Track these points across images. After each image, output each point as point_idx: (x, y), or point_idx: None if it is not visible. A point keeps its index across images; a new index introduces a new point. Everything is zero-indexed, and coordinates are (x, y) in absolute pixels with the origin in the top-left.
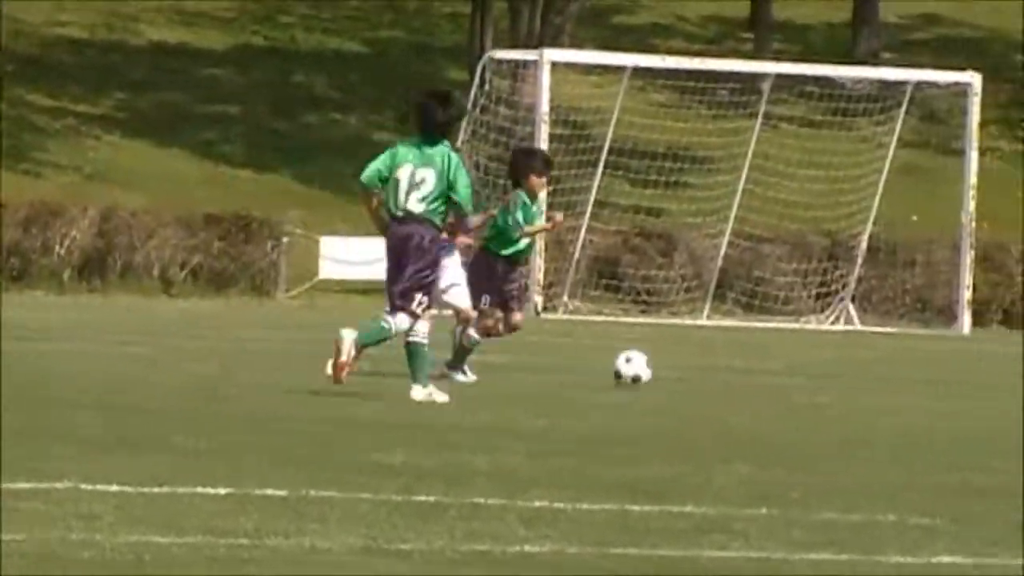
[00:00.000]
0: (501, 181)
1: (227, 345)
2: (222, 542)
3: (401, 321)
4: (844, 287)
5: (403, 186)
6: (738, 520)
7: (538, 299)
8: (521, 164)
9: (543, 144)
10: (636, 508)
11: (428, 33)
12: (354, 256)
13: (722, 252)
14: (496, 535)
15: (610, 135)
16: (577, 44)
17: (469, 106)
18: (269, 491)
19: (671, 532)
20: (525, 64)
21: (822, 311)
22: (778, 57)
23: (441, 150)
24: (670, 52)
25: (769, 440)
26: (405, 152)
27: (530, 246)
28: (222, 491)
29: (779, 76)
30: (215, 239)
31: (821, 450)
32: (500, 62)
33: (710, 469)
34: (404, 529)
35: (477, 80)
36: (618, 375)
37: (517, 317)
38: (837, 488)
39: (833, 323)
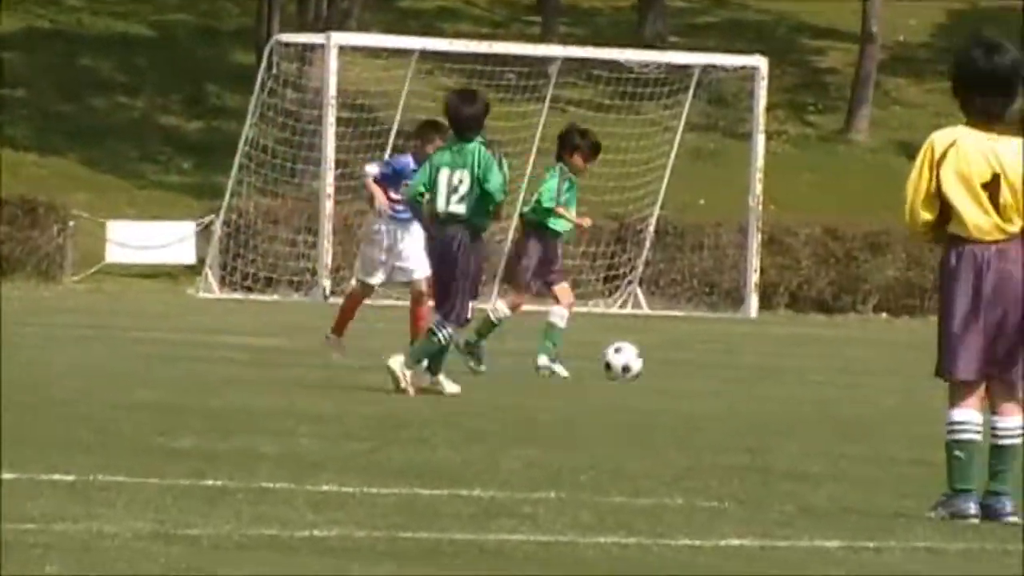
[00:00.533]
0: (288, 164)
1: (12, 329)
2: (9, 527)
3: (449, 332)
4: (632, 271)
5: (442, 190)
6: (527, 503)
7: (327, 283)
8: (572, 142)
9: (330, 128)
10: (425, 492)
11: (215, 16)
12: (140, 240)
13: (509, 236)
14: (284, 519)
15: (398, 118)
16: (364, 27)
17: (256, 89)
18: (56, 476)
19: (460, 516)
20: (312, 47)
21: (610, 295)
22: (566, 41)
23: (472, 147)
24: (457, 36)
25: (558, 424)
26: (440, 158)
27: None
28: (8, 476)
29: (567, 60)
30: (1, 223)
31: (609, 434)
32: (287, 45)
33: (498, 453)
34: (192, 513)
35: (264, 63)
36: (608, 366)
37: (564, 286)
38: (625, 472)
39: (621, 307)
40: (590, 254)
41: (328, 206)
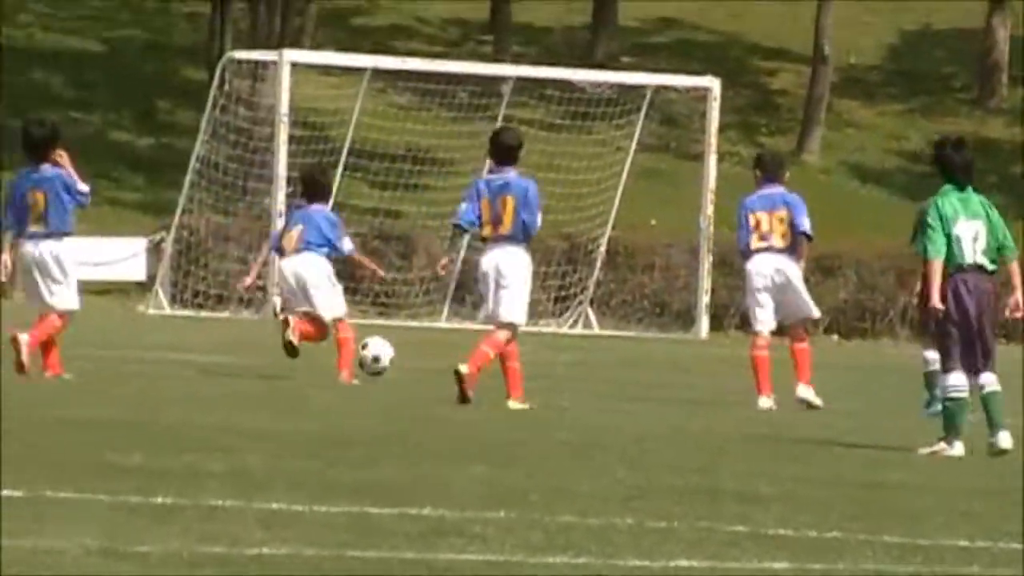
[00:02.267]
0: (240, 182)
1: None
2: None
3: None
4: (583, 291)
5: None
6: (476, 523)
7: (277, 301)
8: None
9: (282, 146)
10: (374, 510)
11: (166, 33)
12: (91, 257)
13: (461, 255)
14: (234, 537)
15: (350, 137)
16: (317, 45)
17: (208, 106)
18: (5, 492)
19: (409, 534)
20: (265, 65)
21: (561, 315)
22: (518, 60)
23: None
24: (410, 54)
25: (507, 443)
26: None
27: None
28: None
29: (519, 79)
30: None
31: (559, 453)
32: (240, 63)
33: (447, 471)
34: (141, 530)
35: (216, 80)
36: (362, 364)
37: None
38: (575, 491)
39: (572, 327)
40: (540, 274)
41: (279, 224)
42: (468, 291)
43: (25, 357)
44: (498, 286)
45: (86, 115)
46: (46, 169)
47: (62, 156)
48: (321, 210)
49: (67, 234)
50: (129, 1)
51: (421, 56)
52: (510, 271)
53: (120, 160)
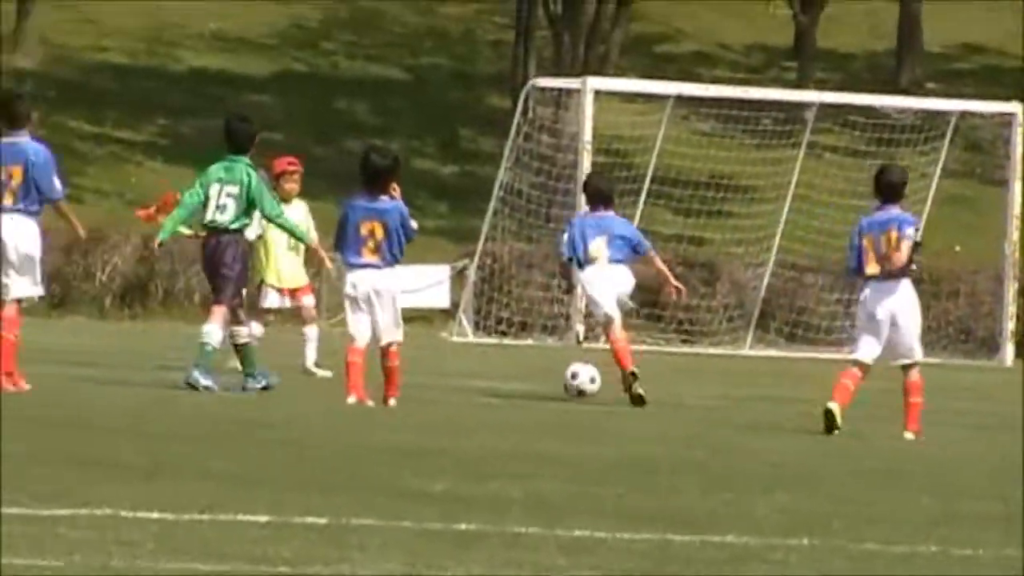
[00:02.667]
0: (543, 209)
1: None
2: (263, 570)
3: None
4: None
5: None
6: (778, 550)
7: (580, 328)
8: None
9: (585, 173)
10: (676, 538)
11: (470, 61)
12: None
13: (765, 282)
14: (536, 564)
15: (653, 164)
16: (620, 72)
17: (512, 133)
18: (309, 519)
19: (712, 562)
20: (568, 92)
21: None
22: (822, 86)
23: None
24: (713, 81)
25: (810, 470)
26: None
27: None
28: (262, 518)
29: (823, 105)
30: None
31: (862, 480)
32: (543, 90)
33: (750, 499)
34: (444, 557)
35: (520, 108)
36: (566, 388)
37: None
38: (878, 518)
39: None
40: (844, 301)
41: (587, 250)
42: (771, 317)
43: None
44: (897, 325)
45: (389, 142)
46: (384, 201)
47: (396, 189)
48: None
49: (395, 265)
50: (433, 29)
51: (724, 83)
52: (908, 309)
53: (423, 187)
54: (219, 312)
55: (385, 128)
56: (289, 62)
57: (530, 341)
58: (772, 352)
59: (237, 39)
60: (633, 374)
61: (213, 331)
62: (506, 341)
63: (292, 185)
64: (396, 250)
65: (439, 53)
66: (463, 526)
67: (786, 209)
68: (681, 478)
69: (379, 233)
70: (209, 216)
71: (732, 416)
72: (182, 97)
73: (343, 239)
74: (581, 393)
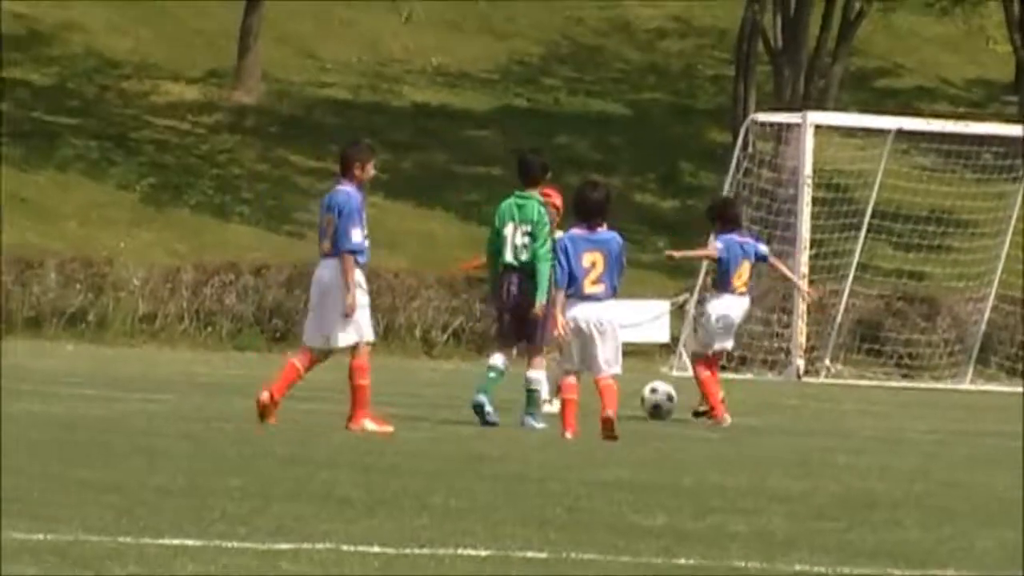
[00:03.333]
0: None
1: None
2: None
3: None
4: None
5: None
6: None
7: (800, 362)
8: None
9: (806, 208)
10: (897, 572)
11: (691, 95)
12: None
13: (986, 316)
14: None
15: (873, 198)
16: (841, 107)
17: (732, 168)
18: (530, 553)
19: None
20: (788, 127)
21: None
22: None
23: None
24: (934, 115)
25: None
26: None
27: None
28: (483, 552)
29: None
30: (477, 300)
31: None
32: (763, 124)
33: (972, 534)
34: None
35: (740, 142)
36: (643, 401)
37: None
38: None
39: None
40: None
41: (803, 286)
42: (992, 352)
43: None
44: None
45: (609, 178)
46: (603, 232)
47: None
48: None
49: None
50: (655, 64)
51: (945, 117)
52: None
53: (643, 222)
54: (539, 357)
55: (606, 163)
56: (510, 98)
57: (750, 375)
58: (993, 387)
59: (459, 74)
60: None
61: (539, 378)
62: (727, 376)
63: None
64: (616, 281)
65: (660, 88)
66: (682, 560)
67: (1007, 244)
68: (902, 512)
69: (600, 265)
70: (508, 257)
71: (954, 450)
72: (404, 132)
73: (563, 272)
74: (656, 408)
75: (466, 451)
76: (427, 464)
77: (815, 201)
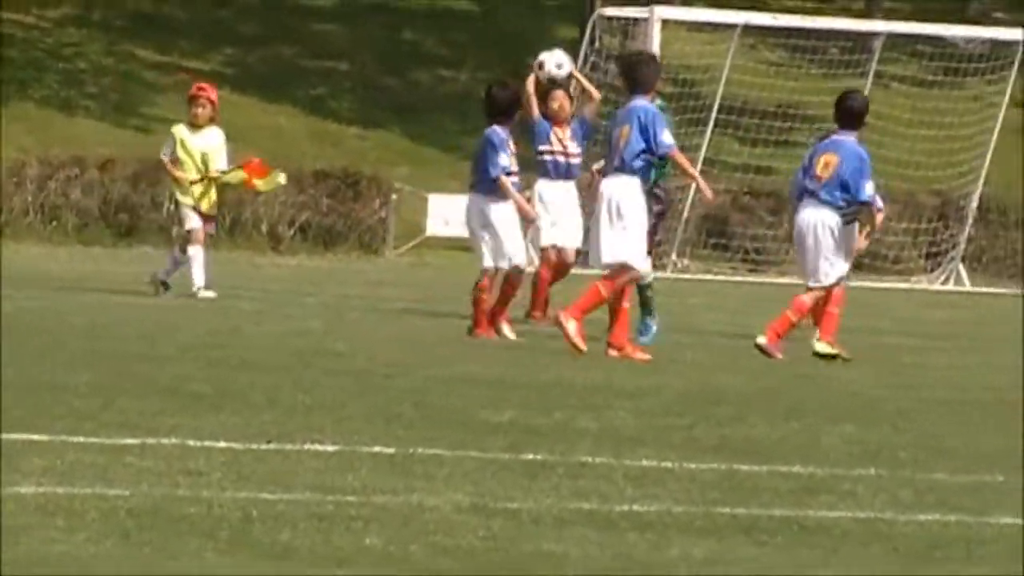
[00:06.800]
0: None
1: (335, 301)
2: (330, 499)
3: None
4: (954, 247)
5: None
6: (846, 480)
7: None
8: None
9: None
10: (743, 468)
11: None
12: (462, 214)
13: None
14: (604, 494)
15: (720, 93)
16: (687, 1)
17: (579, 63)
18: (377, 448)
19: (778, 492)
20: (635, 21)
21: (932, 271)
22: (889, 16)
23: None
24: (782, 10)
25: (877, 400)
26: None
27: None
28: (330, 448)
29: (890, 35)
30: (324, 196)
31: (930, 410)
32: (610, 19)
33: (817, 429)
34: (511, 487)
35: (587, 38)
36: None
37: None
38: (946, 449)
39: (943, 283)
40: (912, 230)
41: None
42: None
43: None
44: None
45: (457, 73)
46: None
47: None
48: None
49: None
50: None
51: (793, 12)
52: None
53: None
54: None
55: (452, 58)
56: None
57: (597, 271)
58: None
59: None
60: None
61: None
62: (576, 271)
63: (197, 110)
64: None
65: None
66: (530, 456)
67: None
68: (747, 408)
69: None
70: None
71: (801, 345)
72: (250, 26)
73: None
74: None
75: (314, 346)
76: (274, 359)
77: (662, 96)
